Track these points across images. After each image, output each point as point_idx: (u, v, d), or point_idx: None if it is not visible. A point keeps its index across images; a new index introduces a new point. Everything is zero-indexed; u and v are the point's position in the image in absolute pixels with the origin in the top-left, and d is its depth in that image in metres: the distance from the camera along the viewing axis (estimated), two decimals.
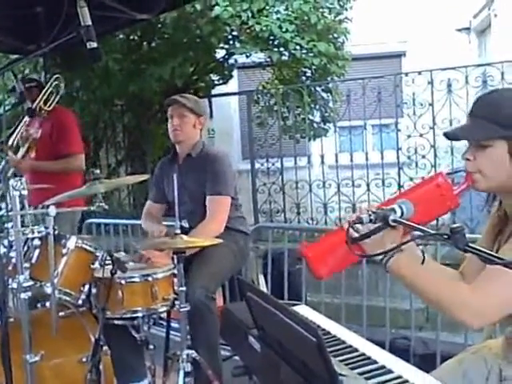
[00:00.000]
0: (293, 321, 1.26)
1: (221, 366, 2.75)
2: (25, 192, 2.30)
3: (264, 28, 6.13)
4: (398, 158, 5.38)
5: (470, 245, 1.21)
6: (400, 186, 5.30)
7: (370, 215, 1.47)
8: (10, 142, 3.51)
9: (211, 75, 7.04)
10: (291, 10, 6.29)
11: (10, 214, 2.29)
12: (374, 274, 4.10)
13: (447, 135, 1.57)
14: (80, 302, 2.55)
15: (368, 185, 5.41)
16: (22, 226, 2.37)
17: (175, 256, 2.42)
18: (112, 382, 2.60)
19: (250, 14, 6.15)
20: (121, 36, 6.55)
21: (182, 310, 2.41)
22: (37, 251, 2.52)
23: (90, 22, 1.95)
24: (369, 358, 1.46)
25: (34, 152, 3.59)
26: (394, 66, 8.38)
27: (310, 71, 6.82)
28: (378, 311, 3.69)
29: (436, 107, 5.06)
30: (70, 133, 3.79)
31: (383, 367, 1.40)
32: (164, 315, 2.82)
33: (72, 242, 2.58)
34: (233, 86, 7.67)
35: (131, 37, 6.66)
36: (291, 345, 1.33)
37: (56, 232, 2.48)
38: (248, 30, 6.35)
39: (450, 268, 1.70)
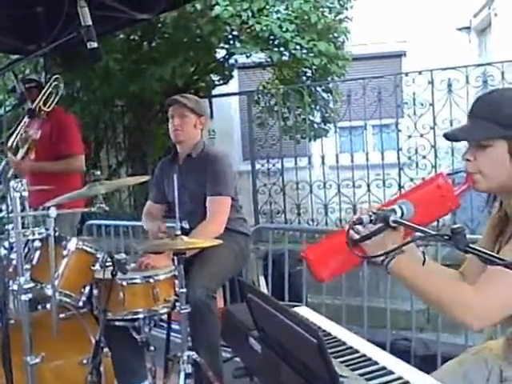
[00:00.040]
0: (293, 322, 1.25)
1: (221, 368, 2.75)
2: (25, 193, 2.30)
3: (264, 27, 6.13)
4: (398, 158, 5.38)
5: (471, 246, 1.21)
6: (400, 187, 5.30)
7: (370, 216, 1.47)
8: (9, 143, 3.50)
9: (211, 75, 7.03)
10: (291, 10, 6.28)
11: (10, 215, 2.28)
12: (375, 275, 4.09)
13: (447, 136, 1.57)
14: (81, 303, 2.55)
15: (368, 185, 5.41)
16: (23, 228, 2.37)
17: (175, 257, 2.41)
18: None
19: (250, 14, 6.15)
20: (121, 36, 6.53)
21: (182, 311, 2.41)
22: (37, 253, 2.52)
23: (90, 22, 1.94)
24: (369, 359, 1.46)
25: (33, 153, 3.58)
26: (394, 65, 8.37)
27: (310, 71, 6.81)
28: (379, 312, 3.68)
29: (436, 107, 5.06)
30: (70, 133, 3.79)
31: (384, 368, 1.40)
32: (165, 317, 2.82)
33: (73, 244, 2.58)
34: (233, 86, 7.65)
35: (131, 37, 6.65)
36: (292, 346, 1.33)
37: (57, 233, 2.48)
38: (248, 30, 6.35)
39: (451, 269, 1.70)
